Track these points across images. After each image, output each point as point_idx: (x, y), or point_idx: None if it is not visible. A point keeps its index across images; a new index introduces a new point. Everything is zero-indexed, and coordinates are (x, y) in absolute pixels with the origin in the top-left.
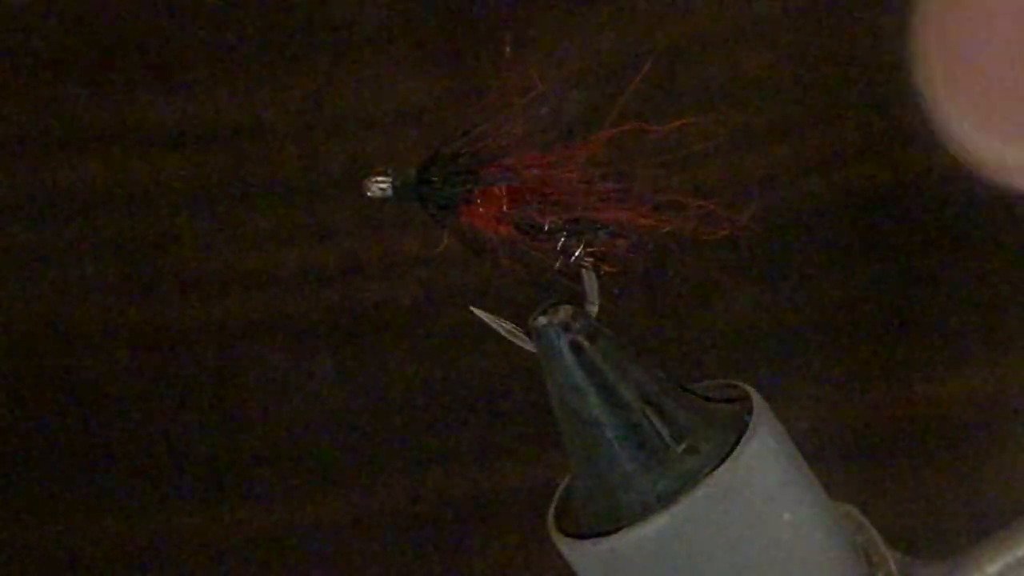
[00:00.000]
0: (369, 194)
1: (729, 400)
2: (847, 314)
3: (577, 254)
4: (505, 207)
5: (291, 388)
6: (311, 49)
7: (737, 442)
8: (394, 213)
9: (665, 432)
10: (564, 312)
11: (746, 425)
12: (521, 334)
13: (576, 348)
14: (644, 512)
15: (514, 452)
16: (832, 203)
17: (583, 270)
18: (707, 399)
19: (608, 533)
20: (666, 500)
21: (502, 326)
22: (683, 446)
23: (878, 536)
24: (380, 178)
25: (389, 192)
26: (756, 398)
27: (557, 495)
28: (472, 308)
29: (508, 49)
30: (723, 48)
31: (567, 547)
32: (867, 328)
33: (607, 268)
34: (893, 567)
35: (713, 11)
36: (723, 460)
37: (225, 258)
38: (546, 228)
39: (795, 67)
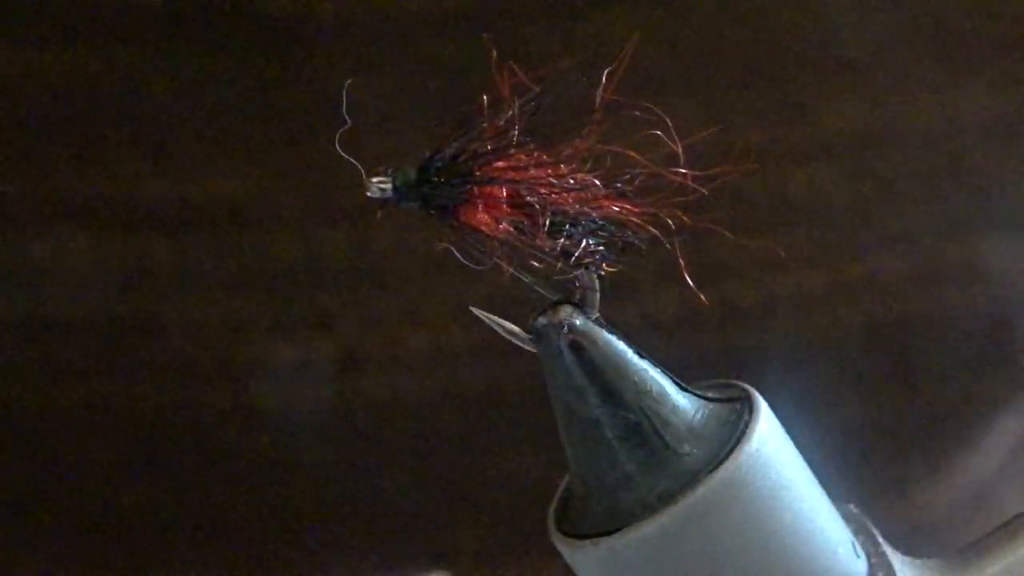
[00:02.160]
0: (369, 194)
1: (730, 400)
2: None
3: (577, 254)
4: (505, 207)
5: (280, 476)
6: (312, 129)
7: (738, 442)
8: (399, 308)
9: (665, 432)
10: (564, 312)
11: (747, 425)
12: (521, 334)
13: (576, 348)
14: (644, 512)
15: (515, 556)
16: (865, 331)
17: (583, 271)
18: (708, 399)
19: (608, 533)
20: (666, 500)
21: (502, 327)
22: (683, 446)
23: (878, 535)
24: (381, 178)
25: (390, 192)
26: (756, 398)
27: (557, 495)
28: (472, 308)
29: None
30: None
31: (567, 547)
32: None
33: (607, 269)
34: (893, 567)
35: (764, 130)
36: (723, 460)
37: (214, 346)
38: (545, 228)
39: (837, 193)
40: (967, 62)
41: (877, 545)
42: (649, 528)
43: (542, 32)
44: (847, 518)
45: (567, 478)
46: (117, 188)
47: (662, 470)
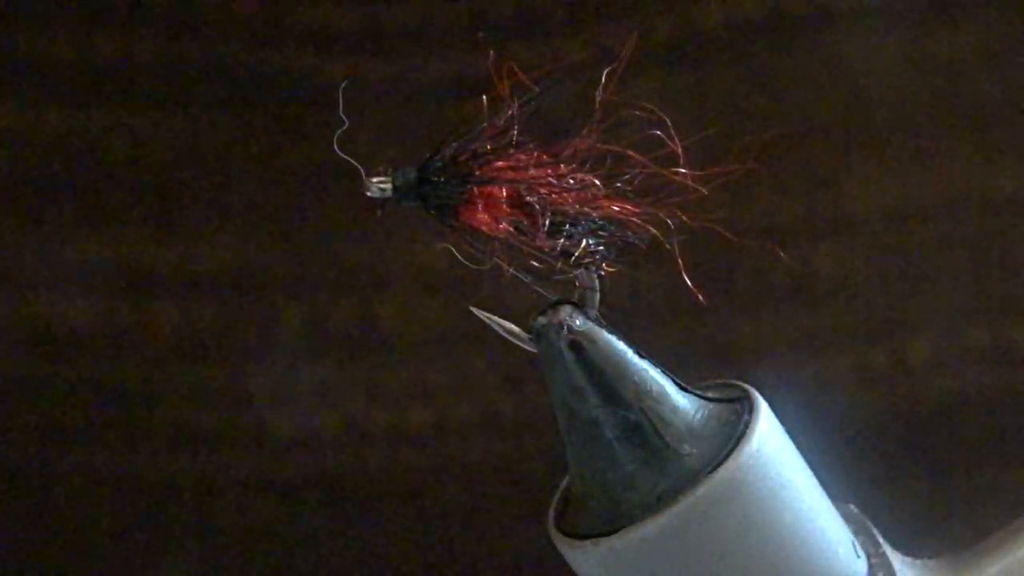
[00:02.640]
0: (369, 194)
1: (730, 400)
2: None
3: (576, 254)
4: (504, 207)
5: (281, 548)
6: (321, 194)
7: (738, 442)
8: (404, 380)
9: (665, 432)
10: (564, 312)
11: (747, 425)
12: (521, 334)
13: (576, 348)
14: (644, 512)
15: None
16: (890, 416)
17: (583, 270)
18: (708, 398)
19: (608, 533)
20: (666, 500)
21: (502, 327)
22: (683, 446)
23: (879, 535)
24: (380, 178)
25: (389, 192)
26: (756, 398)
27: (557, 495)
28: (472, 308)
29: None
30: (790, 241)
31: (567, 547)
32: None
33: (607, 268)
34: (894, 567)
35: (787, 203)
36: (723, 460)
37: (215, 415)
38: (545, 228)
39: (863, 271)
40: (998, 133)
41: (877, 545)
42: (649, 528)
43: (557, 98)
44: (847, 518)
45: (567, 478)
46: (120, 251)
47: (662, 470)
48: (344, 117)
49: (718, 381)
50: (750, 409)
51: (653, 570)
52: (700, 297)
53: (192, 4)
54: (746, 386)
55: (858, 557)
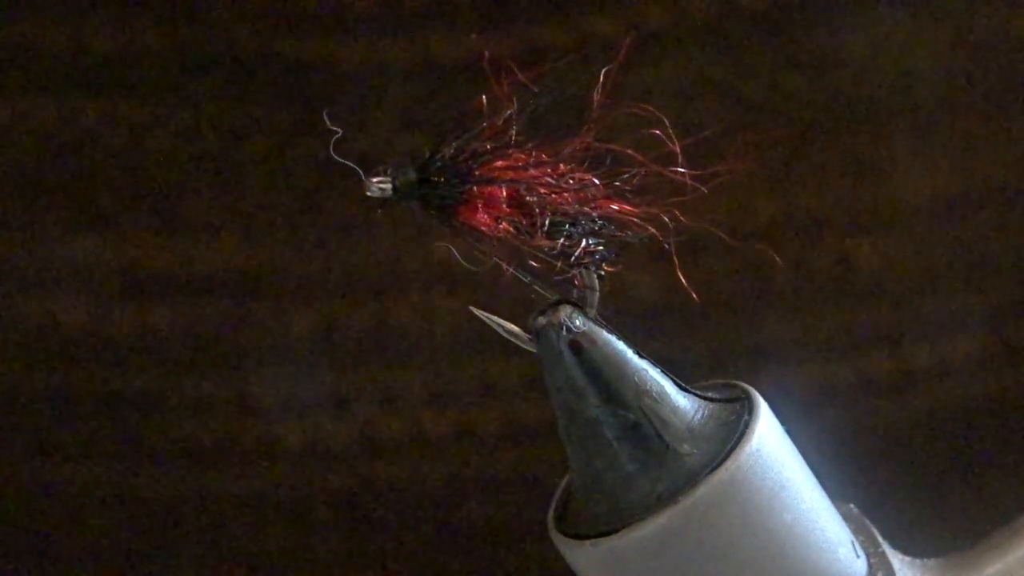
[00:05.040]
0: (369, 194)
1: (730, 400)
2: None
3: (577, 254)
4: (504, 207)
5: (291, 566)
6: (334, 189)
7: (738, 442)
8: (421, 387)
9: (665, 433)
10: (564, 312)
11: (747, 425)
12: (521, 334)
13: (576, 349)
14: (644, 512)
15: None
16: (930, 418)
17: (582, 270)
18: (708, 398)
19: (607, 533)
20: (665, 501)
21: (502, 327)
22: (683, 446)
23: (878, 535)
24: (380, 178)
25: (389, 192)
26: (756, 398)
27: (557, 495)
28: (472, 308)
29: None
30: (830, 233)
31: (567, 547)
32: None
33: (607, 268)
34: (893, 567)
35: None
36: (723, 461)
37: (221, 427)
38: (544, 228)
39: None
40: None
41: (877, 545)
42: (649, 529)
43: (585, 79)
44: (847, 518)
45: (567, 477)
46: (117, 252)
47: (662, 470)
48: (332, 126)
49: (719, 381)
50: (750, 409)
51: (653, 570)
52: (695, 296)
53: None
54: (746, 386)
55: (858, 557)
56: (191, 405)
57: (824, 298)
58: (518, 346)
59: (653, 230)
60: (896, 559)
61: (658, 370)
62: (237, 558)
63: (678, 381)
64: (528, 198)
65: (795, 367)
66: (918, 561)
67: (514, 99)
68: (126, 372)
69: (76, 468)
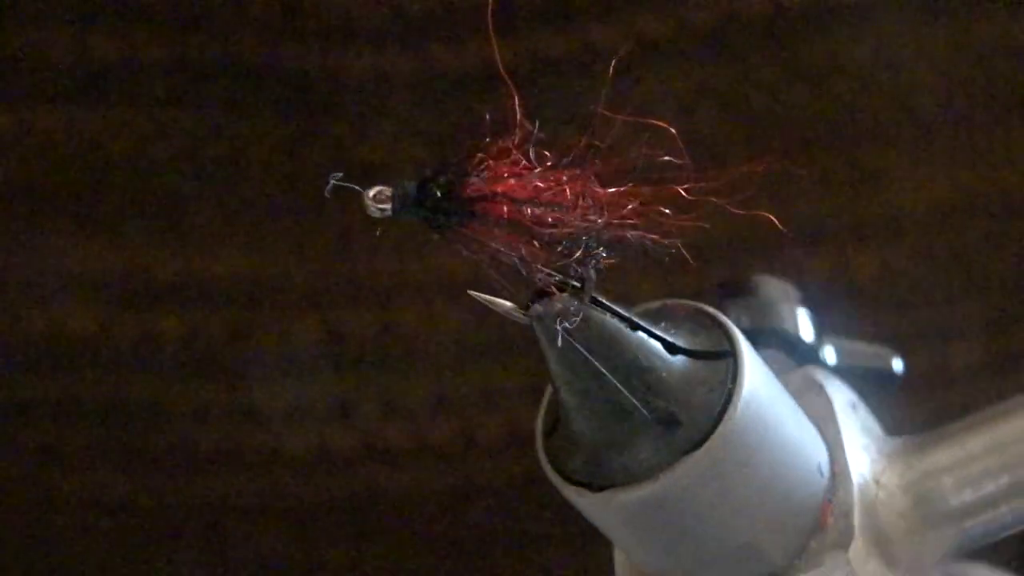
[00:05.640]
0: (370, 213)
1: (718, 355)
2: None
3: (576, 257)
4: (505, 223)
5: (292, 571)
6: (338, 197)
7: (723, 411)
8: (425, 394)
9: (653, 406)
10: (560, 300)
11: (731, 393)
12: (520, 318)
13: (571, 333)
14: (625, 479)
15: None
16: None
17: (581, 268)
18: (698, 355)
19: (588, 486)
20: (648, 472)
21: (498, 306)
22: (669, 414)
23: (850, 411)
24: (380, 193)
25: (389, 212)
26: (741, 359)
27: (542, 412)
28: (470, 292)
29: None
30: (833, 242)
31: (550, 474)
32: None
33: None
34: (852, 480)
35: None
36: (709, 434)
37: (223, 434)
38: (545, 240)
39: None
40: None
41: (839, 452)
42: (630, 496)
43: (586, 89)
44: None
45: (549, 392)
46: (121, 260)
47: (647, 441)
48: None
49: (706, 311)
50: (734, 375)
51: (629, 529)
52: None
53: None
54: (732, 336)
55: (822, 476)
56: (195, 412)
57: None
58: (521, 352)
59: (654, 237)
60: (862, 438)
61: (651, 342)
62: (241, 564)
63: (670, 343)
64: (528, 212)
65: None
66: (899, 440)
67: (517, 113)
68: (131, 379)
69: (81, 475)
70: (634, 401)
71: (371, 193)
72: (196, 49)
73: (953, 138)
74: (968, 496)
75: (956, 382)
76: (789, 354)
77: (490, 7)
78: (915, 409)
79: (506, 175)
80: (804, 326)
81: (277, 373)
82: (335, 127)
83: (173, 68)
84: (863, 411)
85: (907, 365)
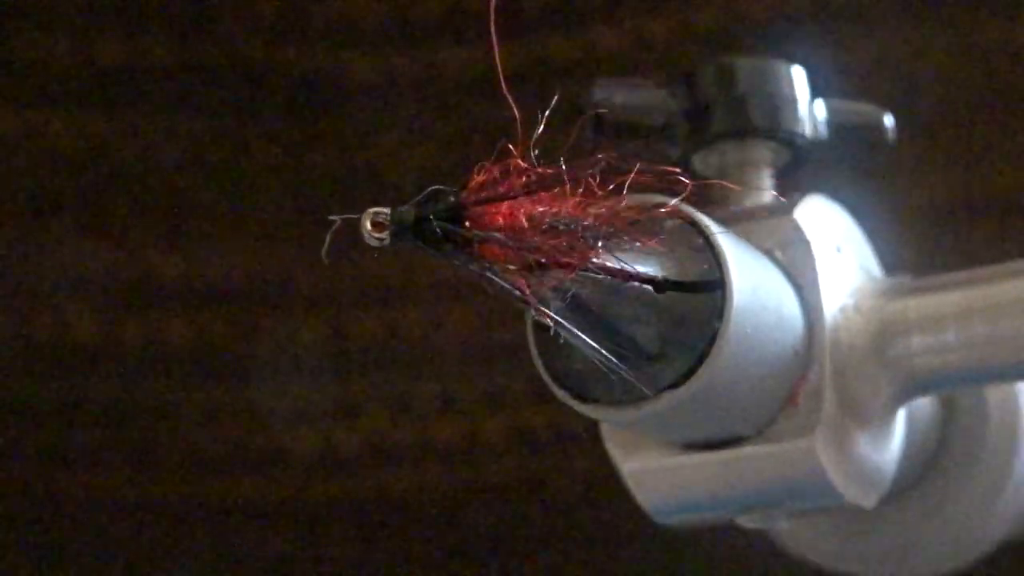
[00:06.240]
0: (367, 240)
1: (709, 286)
2: None
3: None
4: (504, 245)
5: (298, 572)
6: (343, 199)
7: (702, 357)
8: (430, 395)
9: (638, 348)
10: (557, 276)
11: (715, 334)
12: (524, 297)
13: (568, 304)
14: (607, 401)
15: None
16: None
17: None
18: (684, 286)
19: (575, 397)
20: (629, 402)
21: (503, 285)
22: (654, 358)
23: (825, 265)
24: (379, 217)
25: (388, 241)
26: (730, 292)
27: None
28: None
29: None
30: None
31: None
32: None
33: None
34: (827, 355)
35: None
36: (693, 370)
37: (230, 435)
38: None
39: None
40: None
41: (818, 314)
42: (608, 416)
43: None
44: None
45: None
46: (127, 262)
47: (629, 374)
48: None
49: (701, 230)
50: (721, 312)
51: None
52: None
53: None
54: (722, 259)
55: (797, 356)
56: (201, 414)
57: None
58: (526, 353)
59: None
60: (835, 295)
61: (643, 296)
62: (247, 565)
63: (662, 281)
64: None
65: None
66: (869, 276)
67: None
68: (136, 382)
69: (87, 476)
70: (612, 359)
71: (367, 223)
72: (202, 53)
73: (955, 138)
74: (930, 340)
75: None
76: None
77: (491, 6)
78: None
79: (503, 199)
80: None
81: (283, 375)
82: (341, 130)
83: (179, 72)
84: (851, 251)
85: None
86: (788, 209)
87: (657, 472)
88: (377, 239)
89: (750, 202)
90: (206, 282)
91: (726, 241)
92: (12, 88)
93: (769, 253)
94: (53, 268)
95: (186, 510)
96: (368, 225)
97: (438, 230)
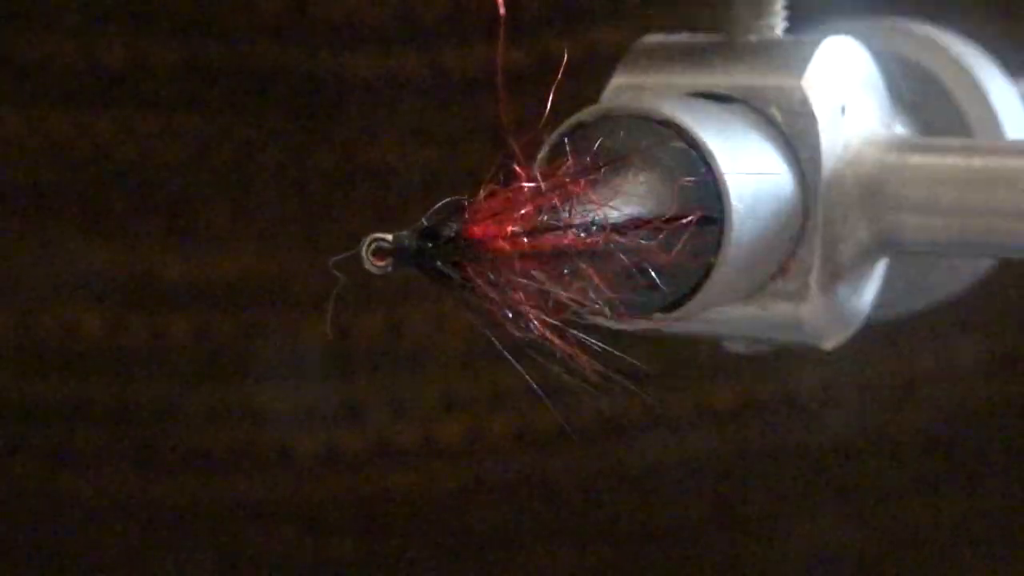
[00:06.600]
0: (367, 267)
1: (708, 221)
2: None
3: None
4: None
5: (302, 572)
6: (347, 199)
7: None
8: (434, 394)
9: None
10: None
11: (710, 267)
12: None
13: None
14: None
15: None
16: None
17: None
18: (683, 223)
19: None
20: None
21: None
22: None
23: (829, 136)
24: (377, 243)
25: (389, 268)
26: (729, 227)
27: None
28: None
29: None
30: None
31: None
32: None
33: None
34: (818, 243)
35: None
36: (686, 299)
37: (233, 435)
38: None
39: None
40: None
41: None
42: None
43: (595, 92)
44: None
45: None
46: (130, 262)
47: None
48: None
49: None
50: (716, 246)
51: None
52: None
53: None
54: (723, 192)
55: (792, 241)
56: (205, 414)
57: None
58: (530, 353)
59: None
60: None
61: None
62: (251, 565)
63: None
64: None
65: (798, 370)
66: (875, 132)
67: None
68: (140, 381)
69: (90, 477)
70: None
71: (367, 252)
72: (204, 52)
73: None
74: (923, 198)
75: (961, 380)
76: None
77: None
78: (918, 407)
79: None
80: None
81: (287, 374)
82: (344, 130)
83: (182, 71)
84: (861, 105)
85: (912, 362)
86: (797, 71)
87: None
88: (378, 267)
89: (756, 38)
90: (209, 281)
91: (721, 153)
92: (15, 87)
93: (771, 118)
94: (55, 267)
95: (189, 509)
96: (368, 253)
97: (439, 265)
